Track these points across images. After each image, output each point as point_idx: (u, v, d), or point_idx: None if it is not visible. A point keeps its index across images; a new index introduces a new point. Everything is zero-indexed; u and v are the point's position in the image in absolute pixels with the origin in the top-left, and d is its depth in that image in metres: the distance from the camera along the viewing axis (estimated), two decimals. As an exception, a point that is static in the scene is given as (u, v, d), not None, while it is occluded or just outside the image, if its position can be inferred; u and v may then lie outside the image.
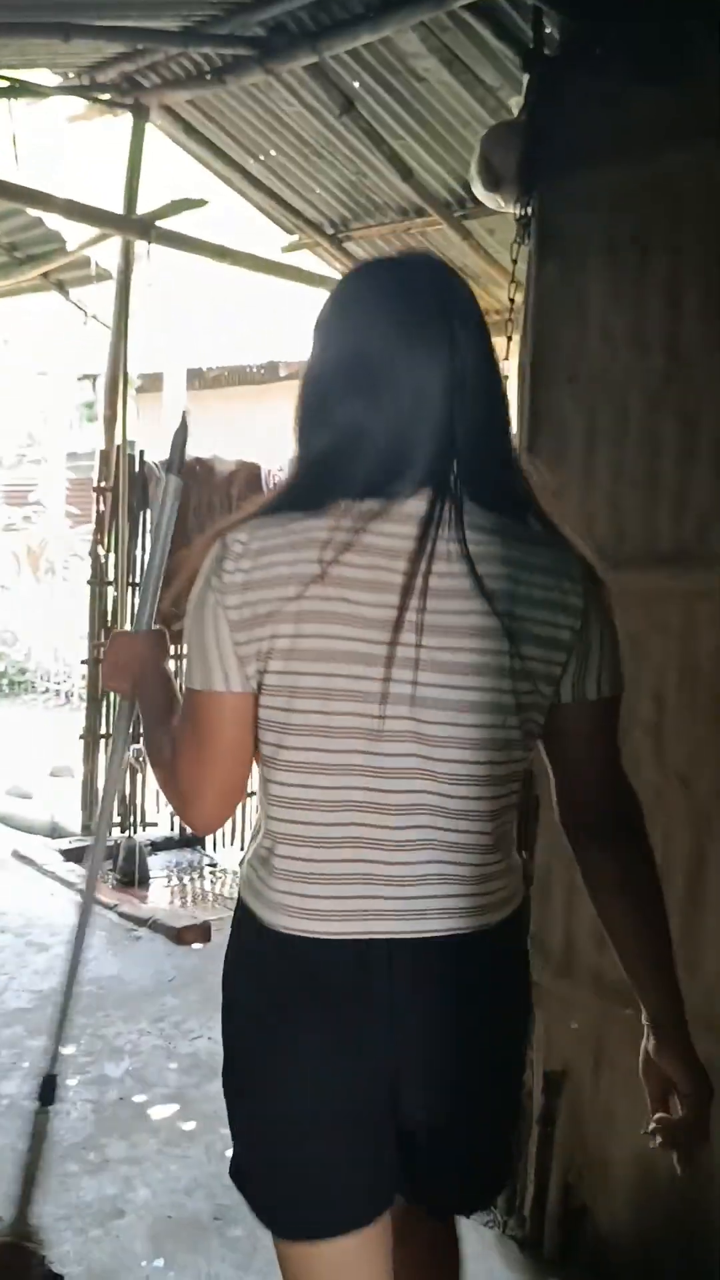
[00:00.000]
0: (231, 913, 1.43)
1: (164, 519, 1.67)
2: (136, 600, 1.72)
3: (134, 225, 4.78)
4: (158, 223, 4.78)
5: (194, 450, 5.81)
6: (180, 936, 4.27)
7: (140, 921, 4.41)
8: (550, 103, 2.33)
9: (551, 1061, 2.51)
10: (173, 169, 6.31)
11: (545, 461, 2.34)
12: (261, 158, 5.54)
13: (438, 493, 1.22)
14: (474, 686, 1.22)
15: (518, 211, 2.35)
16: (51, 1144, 2.86)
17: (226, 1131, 1.44)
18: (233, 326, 14.68)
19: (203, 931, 4.32)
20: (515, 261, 2.35)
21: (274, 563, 1.21)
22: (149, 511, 5.48)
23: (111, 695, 5.19)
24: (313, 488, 1.24)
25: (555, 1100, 2.52)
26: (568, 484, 2.34)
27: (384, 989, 1.28)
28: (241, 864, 1.40)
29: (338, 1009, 1.29)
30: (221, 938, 4.23)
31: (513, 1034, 1.42)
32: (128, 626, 2.11)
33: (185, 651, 1.27)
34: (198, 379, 12.25)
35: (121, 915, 4.49)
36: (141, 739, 1.52)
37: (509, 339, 2.47)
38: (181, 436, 1.60)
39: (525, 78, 2.43)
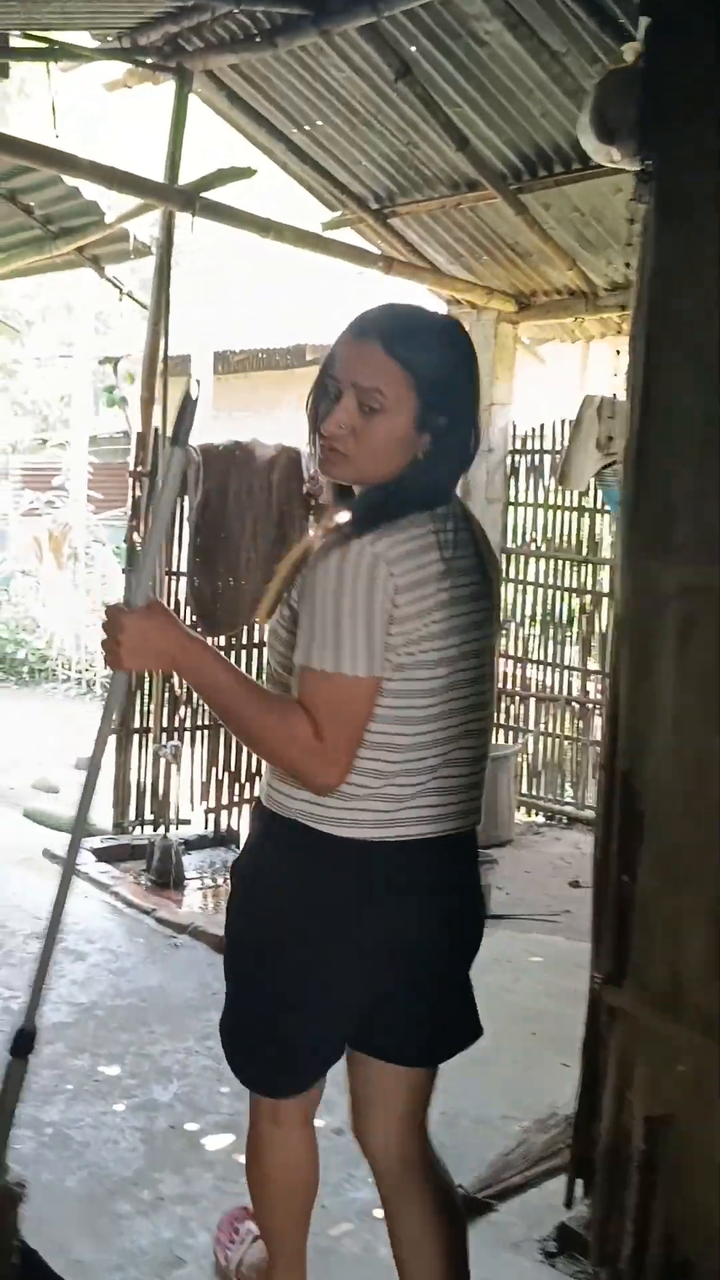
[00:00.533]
0: None
1: (166, 491, 1.66)
2: (136, 573, 1.69)
3: (178, 196, 4.54)
4: (201, 194, 4.54)
5: (230, 434, 5.58)
6: (222, 945, 4.05)
7: (180, 928, 4.21)
8: (674, 45, 2.08)
9: (654, 1106, 2.29)
10: (210, 140, 6.08)
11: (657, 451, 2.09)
12: (307, 127, 5.30)
13: (456, 500, 1.68)
14: (489, 635, 1.70)
15: (635, 167, 2.11)
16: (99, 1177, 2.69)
17: None
18: (259, 308, 14.44)
19: (246, 940, 4.11)
20: (631, 222, 2.11)
21: (419, 565, 1.55)
22: (185, 497, 5.27)
23: (112, 677, 4.97)
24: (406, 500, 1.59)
25: (658, 1148, 2.30)
26: (679, 474, 2.10)
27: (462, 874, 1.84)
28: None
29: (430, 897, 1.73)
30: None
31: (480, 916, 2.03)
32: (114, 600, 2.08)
33: (316, 637, 1.52)
34: (223, 362, 12.01)
35: (160, 921, 4.29)
36: (219, 717, 1.69)
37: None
38: (189, 409, 1.58)
39: (642, 20, 2.19)
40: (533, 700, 6.36)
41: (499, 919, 4.61)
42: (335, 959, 1.71)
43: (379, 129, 5.11)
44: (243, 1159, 2.78)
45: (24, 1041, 1.93)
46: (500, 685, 6.49)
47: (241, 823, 5.73)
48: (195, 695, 5.47)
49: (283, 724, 1.54)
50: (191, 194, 4.56)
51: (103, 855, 5.02)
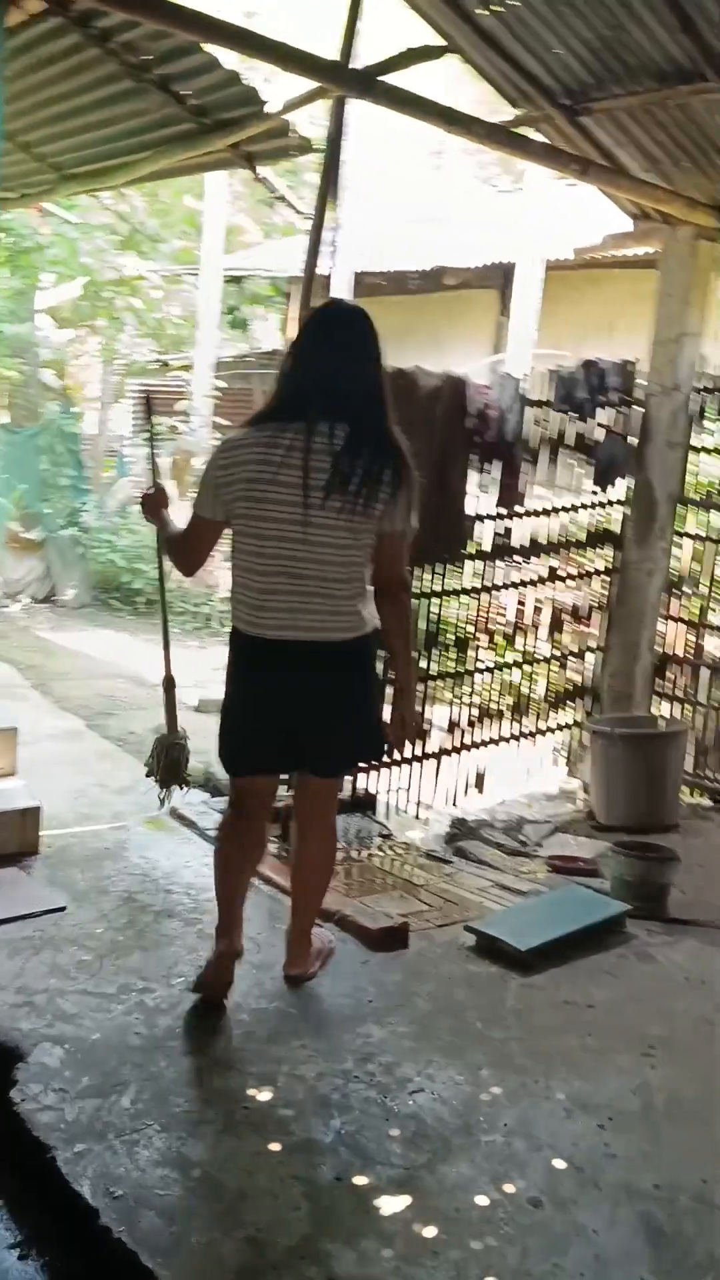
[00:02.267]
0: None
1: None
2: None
3: (355, 79, 3.93)
4: (381, 78, 3.92)
5: (393, 361, 4.99)
6: (375, 941, 3.61)
7: (328, 917, 3.75)
8: None
9: None
10: (379, 24, 5.40)
11: None
12: (498, 7, 4.61)
13: (314, 419, 2.81)
14: (301, 518, 2.81)
15: None
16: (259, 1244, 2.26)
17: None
18: (393, 225, 13.68)
19: (401, 936, 3.65)
20: None
21: (238, 456, 2.88)
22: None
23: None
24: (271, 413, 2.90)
25: None
26: None
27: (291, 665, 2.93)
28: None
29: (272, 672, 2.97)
30: (421, 944, 3.56)
31: (357, 692, 3.05)
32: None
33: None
34: (359, 285, 11.34)
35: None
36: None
37: None
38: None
39: None
40: (705, 670, 5.72)
41: (678, 924, 4.07)
42: (239, 696, 3.05)
43: (581, 7, 4.40)
44: (428, 1231, 2.36)
45: None
46: (670, 651, 5.86)
47: (381, 787, 5.27)
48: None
49: (169, 545, 3.18)
50: (370, 77, 3.95)
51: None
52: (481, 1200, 2.43)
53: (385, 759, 3.51)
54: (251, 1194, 2.38)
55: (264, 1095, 2.75)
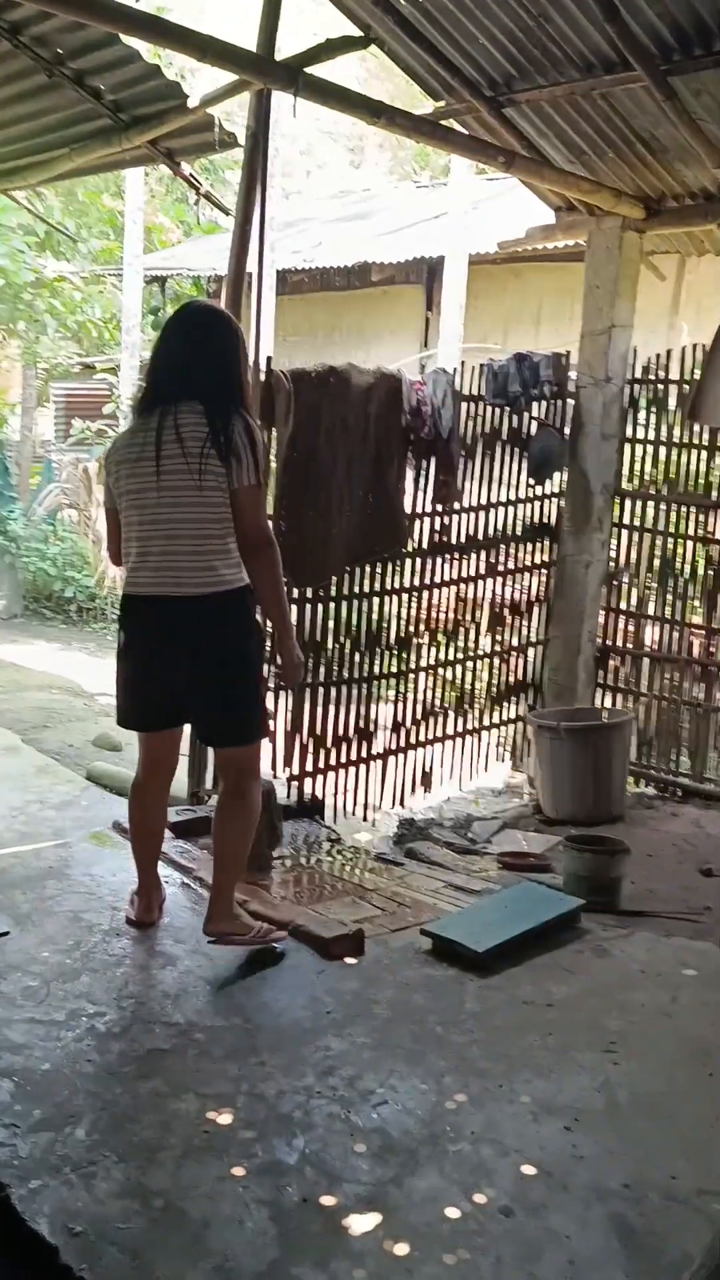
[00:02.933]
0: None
1: None
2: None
3: (279, 71, 3.86)
4: (306, 70, 3.85)
5: (287, 363, 4.91)
6: (329, 949, 3.54)
7: (279, 926, 3.68)
8: None
9: None
10: (298, 17, 5.34)
11: None
12: (419, -3, 4.57)
13: (167, 402, 3.17)
14: (146, 487, 3.18)
15: None
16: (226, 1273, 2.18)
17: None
18: (317, 224, 13.60)
19: (355, 944, 3.59)
20: None
21: (123, 443, 3.27)
22: (274, 430, 4.65)
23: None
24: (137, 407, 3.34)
25: None
26: None
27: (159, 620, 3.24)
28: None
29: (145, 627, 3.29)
30: (377, 950, 3.51)
31: (222, 651, 3.23)
32: None
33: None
34: (281, 282, 11.26)
35: (255, 917, 3.75)
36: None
37: None
38: None
39: None
40: (646, 660, 5.75)
41: (631, 916, 4.07)
42: (124, 652, 3.37)
43: (505, -2, 4.38)
44: (399, 1249, 2.30)
45: None
46: (610, 642, 5.89)
47: (328, 790, 5.21)
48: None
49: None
50: (294, 69, 3.88)
51: (179, 830, 4.50)
52: (452, 1212, 2.38)
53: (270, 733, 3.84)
54: (216, 1222, 2.30)
55: (224, 1117, 2.66)
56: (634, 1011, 3.32)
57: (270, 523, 3.38)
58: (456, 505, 5.45)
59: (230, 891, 3.46)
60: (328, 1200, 2.40)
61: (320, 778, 5.18)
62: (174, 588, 3.17)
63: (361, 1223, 2.34)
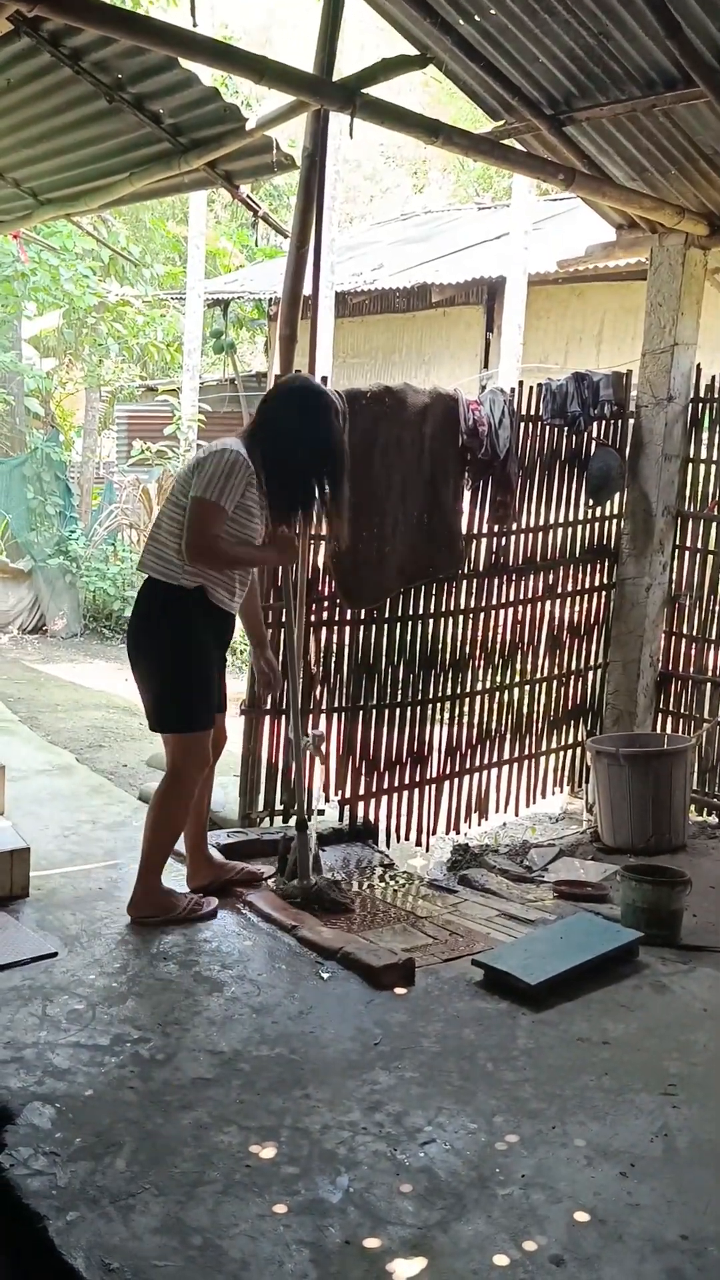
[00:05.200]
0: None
1: None
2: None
3: (335, 92, 3.84)
4: (363, 90, 3.83)
5: (345, 384, 4.88)
6: (379, 979, 3.47)
7: (327, 953, 3.62)
8: None
9: None
10: (355, 41, 5.33)
11: None
12: (478, 17, 4.53)
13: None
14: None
15: None
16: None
17: None
18: (378, 247, 13.64)
19: (405, 973, 3.51)
20: None
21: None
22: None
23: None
24: None
25: None
26: None
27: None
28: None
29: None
30: (427, 980, 3.43)
31: (144, 635, 3.72)
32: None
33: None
34: (341, 304, 11.29)
35: (303, 942, 3.70)
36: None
37: None
38: None
39: None
40: (708, 685, 5.61)
41: (692, 951, 3.94)
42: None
43: (564, 16, 4.33)
44: (442, 1299, 2.22)
45: None
46: (671, 667, 5.75)
47: (381, 815, 5.14)
48: (332, 674, 4.90)
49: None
50: (352, 89, 3.86)
51: (230, 853, 4.46)
52: (501, 1260, 2.29)
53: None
54: (255, 1262, 2.23)
55: (267, 1152, 2.60)
56: (695, 1052, 3.19)
57: (215, 541, 3.54)
58: (514, 526, 5.37)
59: (145, 874, 3.76)
60: (371, 1243, 2.32)
61: (373, 801, 5.11)
62: (142, 567, 3.71)
63: (406, 1268, 2.26)
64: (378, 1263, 2.26)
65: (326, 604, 4.81)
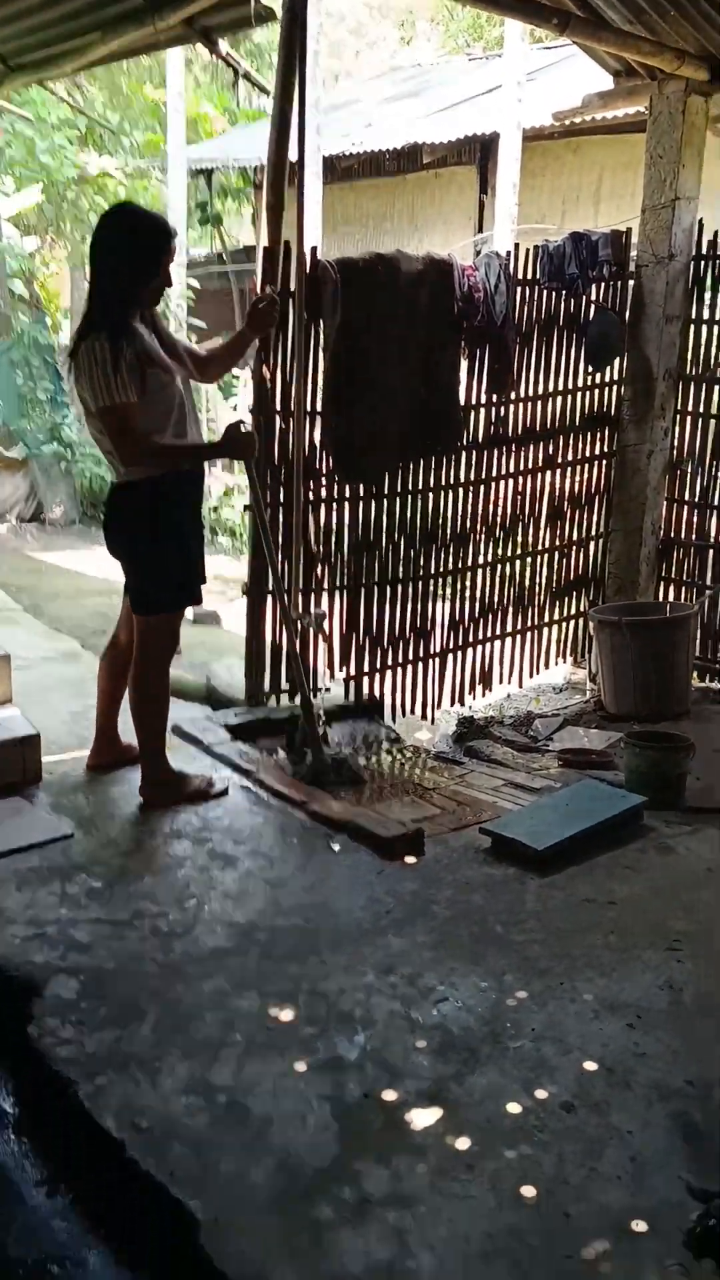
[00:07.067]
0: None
1: None
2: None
3: (314, -68, 3.61)
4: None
5: (336, 252, 4.71)
6: (389, 849, 3.54)
7: (337, 825, 3.69)
8: None
9: None
10: None
11: None
12: None
13: None
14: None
15: None
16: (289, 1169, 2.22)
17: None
18: (363, 106, 13.05)
19: (415, 843, 3.59)
20: None
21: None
22: (321, 323, 4.50)
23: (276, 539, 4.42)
24: None
25: None
26: None
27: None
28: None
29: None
30: (436, 850, 3.50)
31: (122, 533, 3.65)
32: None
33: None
34: (329, 170, 10.86)
35: (313, 817, 3.78)
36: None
37: None
38: None
39: None
40: (710, 552, 5.58)
41: (697, 813, 4.01)
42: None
43: None
44: (461, 1143, 2.32)
45: None
46: (674, 534, 5.71)
47: (386, 690, 5.18)
48: (334, 552, 4.87)
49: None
50: (331, -71, 3.62)
51: (239, 733, 4.52)
52: (514, 1108, 2.39)
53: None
54: (279, 1117, 2.34)
55: (286, 1015, 2.70)
56: (699, 910, 3.28)
57: (144, 440, 3.40)
58: (512, 395, 5.27)
59: (149, 758, 3.80)
60: (389, 1096, 2.42)
61: (378, 677, 5.15)
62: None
63: (423, 1118, 2.36)
64: (396, 1114, 2.37)
65: (325, 481, 4.75)
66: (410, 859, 3.54)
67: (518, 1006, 2.76)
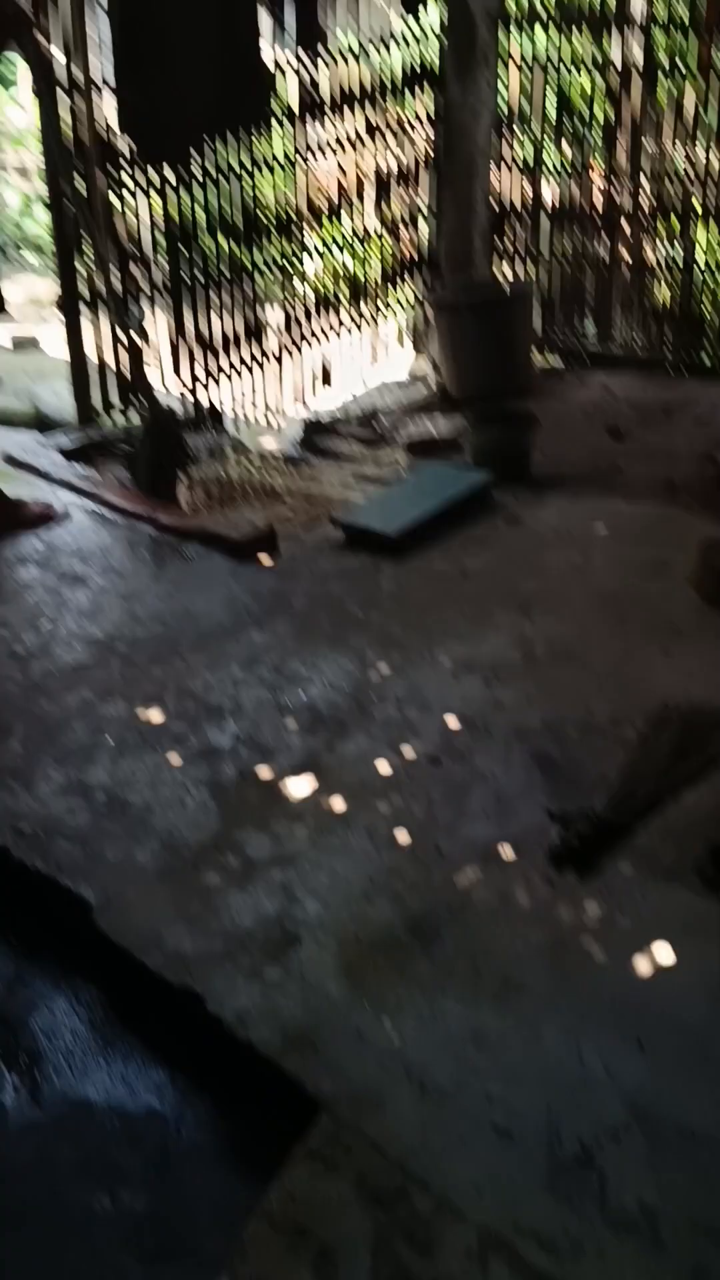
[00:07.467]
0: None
1: None
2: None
3: None
4: None
5: None
6: (243, 551, 3.51)
7: (185, 535, 3.62)
8: None
9: None
10: None
11: None
12: None
13: None
14: None
15: None
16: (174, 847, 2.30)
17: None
18: None
19: (269, 542, 3.56)
20: None
21: None
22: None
23: (89, 249, 4.10)
24: None
25: None
26: None
27: None
28: None
29: None
30: (290, 548, 3.48)
31: None
32: None
33: None
34: None
35: (161, 529, 3.69)
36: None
37: None
38: None
39: None
40: (545, 220, 5.37)
41: (543, 486, 4.06)
42: None
43: None
44: (336, 804, 2.43)
45: None
46: (508, 204, 5.46)
47: (225, 399, 4.98)
48: (148, 250, 4.51)
49: None
50: None
51: (75, 455, 4.32)
52: (384, 767, 2.50)
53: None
54: (158, 805, 2.39)
55: (155, 715, 2.72)
56: (548, 572, 3.38)
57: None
58: (323, 53, 4.80)
59: None
60: (264, 772, 2.50)
61: (214, 385, 4.93)
62: None
63: (298, 787, 2.45)
64: (272, 787, 2.45)
65: (125, 165, 4.31)
66: (265, 559, 3.51)
67: (381, 680, 2.84)
